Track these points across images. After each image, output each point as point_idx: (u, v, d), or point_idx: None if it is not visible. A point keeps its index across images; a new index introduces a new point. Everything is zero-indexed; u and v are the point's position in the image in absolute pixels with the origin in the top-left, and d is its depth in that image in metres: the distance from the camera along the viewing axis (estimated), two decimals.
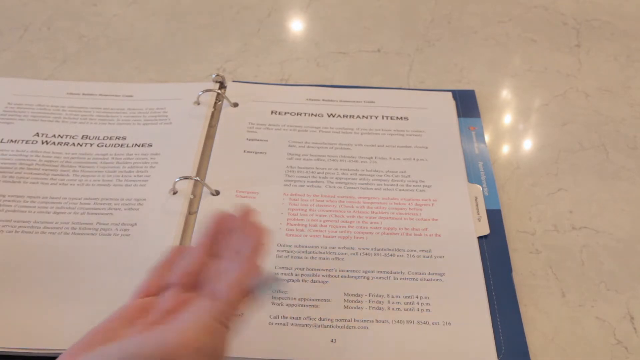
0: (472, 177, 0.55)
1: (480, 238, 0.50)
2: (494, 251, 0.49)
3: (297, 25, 0.75)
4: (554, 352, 0.44)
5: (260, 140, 0.57)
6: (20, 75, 0.65)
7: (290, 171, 0.55)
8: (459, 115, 0.61)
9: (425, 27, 0.73)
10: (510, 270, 0.48)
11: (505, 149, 0.59)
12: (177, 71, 0.67)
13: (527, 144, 0.60)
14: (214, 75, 0.63)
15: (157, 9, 0.75)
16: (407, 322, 0.44)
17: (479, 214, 0.52)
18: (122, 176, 0.53)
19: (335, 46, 0.70)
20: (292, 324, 0.44)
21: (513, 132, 0.61)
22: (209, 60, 0.68)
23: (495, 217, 0.52)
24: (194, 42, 0.71)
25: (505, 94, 0.65)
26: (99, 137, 0.57)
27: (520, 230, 0.51)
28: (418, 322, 0.44)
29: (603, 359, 0.43)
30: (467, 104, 0.62)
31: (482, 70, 0.67)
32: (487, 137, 0.59)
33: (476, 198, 0.53)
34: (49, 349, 0.42)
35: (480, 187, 0.54)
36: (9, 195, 0.51)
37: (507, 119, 0.62)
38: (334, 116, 0.60)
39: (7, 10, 0.75)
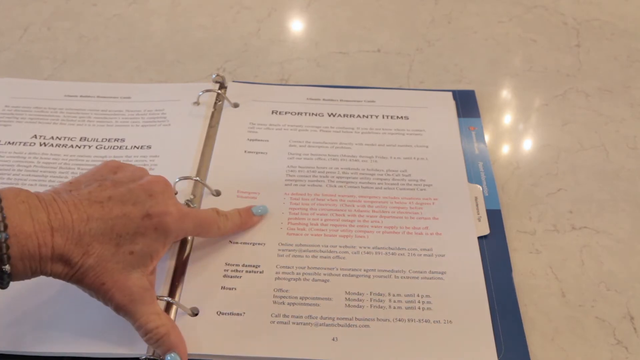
0: (472, 177, 0.55)
1: (480, 238, 0.50)
2: (494, 251, 0.49)
3: (297, 25, 0.75)
4: (554, 352, 0.44)
5: (261, 140, 0.57)
6: (20, 75, 0.65)
7: (291, 171, 0.55)
8: (459, 115, 0.61)
9: (425, 27, 0.73)
10: (510, 270, 0.48)
11: (505, 149, 0.59)
12: (177, 71, 0.67)
13: (527, 144, 0.60)
14: (214, 76, 0.63)
15: (157, 9, 0.75)
16: (409, 320, 0.44)
17: (479, 214, 0.52)
18: None
19: (335, 46, 0.71)
20: (293, 323, 0.44)
21: (513, 132, 0.61)
22: (209, 60, 0.68)
23: (495, 217, 0.52)
24: (194, 42, 0.71)
25: (505, 94, 0.65)
26: (97, 139, 0.57)
27: (520, 230, 0.52)
28: (419, 320, 0.44)
29: (603, 359, 0.43)
30: (467, 104, 0.62)
31: (482, 70, 0.67)
32: (487, 137, 0.59)
33: (476, 198, 0.53)
34: (50, 352, 0.42)
35: (480, 187, 0.54)
36: None
37: (507, 119, 0.62)
38: (334, 116, 0.60)
39: (7, 10, 0.75)
